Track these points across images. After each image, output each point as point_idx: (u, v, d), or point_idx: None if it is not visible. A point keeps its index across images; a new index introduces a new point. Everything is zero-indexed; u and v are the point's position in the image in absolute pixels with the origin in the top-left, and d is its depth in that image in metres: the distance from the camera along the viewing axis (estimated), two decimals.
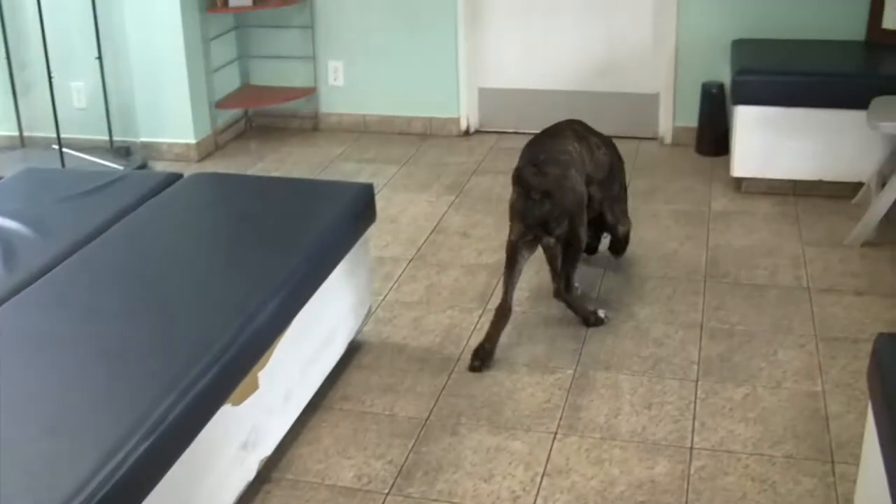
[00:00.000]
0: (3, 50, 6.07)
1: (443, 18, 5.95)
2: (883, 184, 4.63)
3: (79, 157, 5.87)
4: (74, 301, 2.95)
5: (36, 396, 2.45)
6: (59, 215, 3.59)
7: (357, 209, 3.64)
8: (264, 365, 2.93)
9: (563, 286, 3.90)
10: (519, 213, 3.72)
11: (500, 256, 4.47)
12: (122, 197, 3.71)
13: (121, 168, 5.69)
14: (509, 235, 3.79)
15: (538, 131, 4.12)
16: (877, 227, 4.55)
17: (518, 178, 3.73)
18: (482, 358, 3.67)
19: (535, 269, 4.30)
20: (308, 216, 3.46)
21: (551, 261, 3.97)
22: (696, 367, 3.63)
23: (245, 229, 3.41)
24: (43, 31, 5.59)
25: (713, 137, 5.66)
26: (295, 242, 3.24)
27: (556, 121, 4.23)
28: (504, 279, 3.80)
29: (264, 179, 4.11)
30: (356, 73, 6.22)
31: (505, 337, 3.78)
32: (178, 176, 3.97)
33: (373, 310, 4.05)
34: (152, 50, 5.83)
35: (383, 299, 4.19)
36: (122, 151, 5.97)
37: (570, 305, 3.94)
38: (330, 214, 3.48)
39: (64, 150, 5.75)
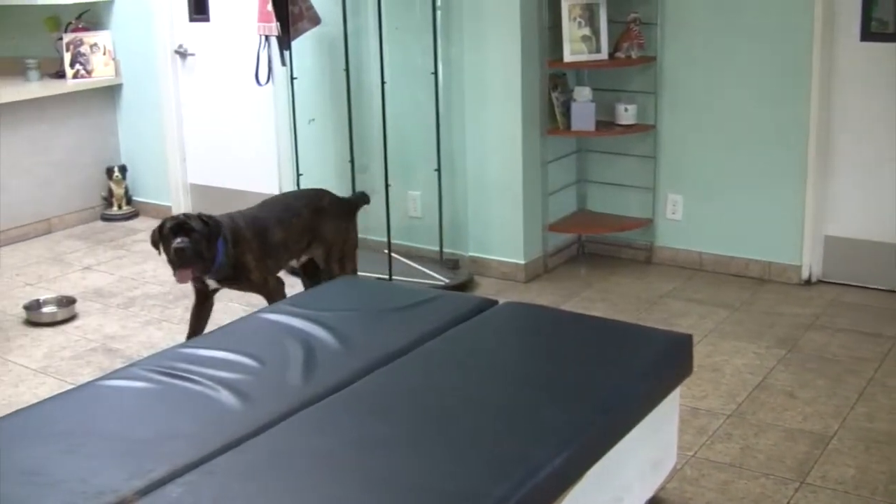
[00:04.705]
0: (348, 153, 6.26)
1: (792, 162, 5.62)
2: None
3: (408, 264, 5.94)
4: (354, 424, 2.87)
5: None
6: (366, 330, 3.58)
7: (671, 361, 3.40)
8: None
9: None
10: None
11: (828, 424, 4.11)
12: (432, 318, 3.65)
13: (446, 280, 5.71)
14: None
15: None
16: None
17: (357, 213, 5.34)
18: None
19: None
20: (616, 364, 3.25)
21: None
22: None
23: (546, 371, 3.21)
24: (385, 139, 5.73)
25: None
26: (596, 393, 3.03)
27: None
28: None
29: (578, 317, 3.93)
30: (696, 208, 5.98)
31: None
32: (493, 303, 3.86)
33: (679, 466, 3.78)
34: (490, 167, 5.85)
35: (692, 455, 3.91)
36: (451, 264, 5.99)
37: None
38: (640, 365, 3.26)
39: (394, 255, 5.84)
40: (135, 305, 5.69)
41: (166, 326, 5.26)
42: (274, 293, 4.83)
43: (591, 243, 6.41)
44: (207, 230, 4.53)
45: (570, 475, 2.78)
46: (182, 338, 4.72)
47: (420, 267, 5.91)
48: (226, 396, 3.04)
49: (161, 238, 4.56)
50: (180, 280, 4.59)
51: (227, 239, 4.64)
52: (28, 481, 2.59)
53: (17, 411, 3.13)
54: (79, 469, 2.65)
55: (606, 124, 5.96)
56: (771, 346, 4.92)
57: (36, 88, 7.26)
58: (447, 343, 3.43)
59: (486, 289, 5.74)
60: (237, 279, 4.77)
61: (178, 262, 4.50)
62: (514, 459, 2.63)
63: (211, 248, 4.55)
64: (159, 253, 4.62)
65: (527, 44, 5.64)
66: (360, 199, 5.44)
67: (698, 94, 5.84)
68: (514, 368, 3.27)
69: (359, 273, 5.50)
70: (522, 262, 5.90)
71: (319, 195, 5.21)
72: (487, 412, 2.93)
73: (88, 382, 3.33)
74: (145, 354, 4.34)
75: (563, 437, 2.76)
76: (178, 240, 4.47)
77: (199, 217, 4.57)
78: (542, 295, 5.60)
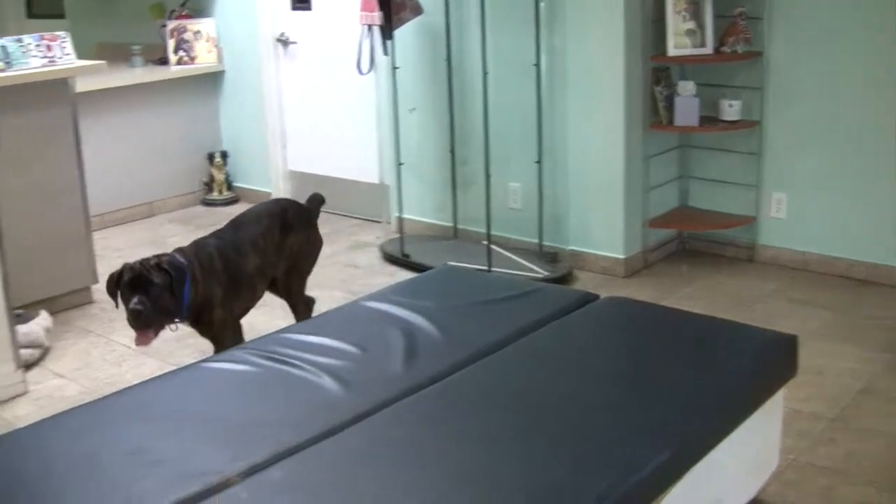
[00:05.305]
0: (448, 143, 6.26)
1: None
2: None
3: (506, 255, 5.92)
4: (452, 416, 2.86)
5: None
6: (467, 321, 3.56)
7: (775, 362, 3.33)
8: None
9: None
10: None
11: None
12: (532, 311, 3.62)
13: (545, 273, 5.67)
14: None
15: None
16: None
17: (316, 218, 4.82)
18: None
19: None
20: (719, 363, 3.18)
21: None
22: None
23: (648, 369, 3.17)
24: (486, 130, 5.72)
25: None
26: (698, 392, 2.98)
27: None
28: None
29: (680, 314, 3.86)
30: (800, 207, 5.86)
31: None
32: (594, 297, 3.83)
33: (780, 469, 3.70)
34: (591, 161, 5.79)
35: (794, 459, 3.83)
36: (549, 257, 5.95)
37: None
38: (743, 365, 3.19)
39: (493, 247, 5.82)
40: None
41: (268, 310, 5.27)
42: (226, 338, 4.26)
43: (692, 240, 6.32)
44: (169, 281, 3.98)
45: (672, 474, 2.74)
46: (283, 322, 4.73)
47: (519, 259, 5.88)
48: (327, 382, 3.05)
49: (119, 289, 4.00)
50: (140, 344, 4.07)
51: (198, 277, 4.15)
52: (133, 460, 2.62)
53: (121, 391, 3.18)
54: (182, 449, 2.67)
55: (710, 120, 5.86)
56: (875, 351, 4.80)
57: (140, 74, 7.38)
58: (548, 337, 3.40)
59: (584, 283, 5.69)
60: (199, 319, 4.24)
61: (136, 325, 3.99)
62: (616, 456, 2.60)
63: (176, 297, 4.02)
64: (116, 305, 4.07)
65: (630, 36, 5.58)
66: (315, 202, 4.90)
67: (805, 91, 5.72)
68: (616, 365, 3.23)
69: (457, 264, 5.48)
70: (622, 256, 5.84)
71: (284, 208, 4.75)
72: (588, 408, 2.89)
73: (191, 364, 3.37)
74: (247, 338, 4.36)
75: (666, 435, 2.72)
76: (135, 300, 3.93)
77: (159, 265, 3.99)
78: (642, 291, 5.54)
